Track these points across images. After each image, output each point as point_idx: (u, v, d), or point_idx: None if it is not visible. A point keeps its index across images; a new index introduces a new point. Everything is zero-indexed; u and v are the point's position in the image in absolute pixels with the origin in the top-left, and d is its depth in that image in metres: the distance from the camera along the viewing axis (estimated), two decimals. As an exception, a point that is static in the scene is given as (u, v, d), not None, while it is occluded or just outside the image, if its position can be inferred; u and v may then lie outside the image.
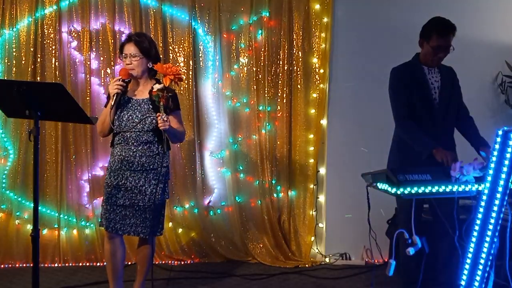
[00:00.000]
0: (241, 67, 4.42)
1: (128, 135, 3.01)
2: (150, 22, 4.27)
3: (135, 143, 3.01)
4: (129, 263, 4.15)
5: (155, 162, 3.04)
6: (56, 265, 4.18)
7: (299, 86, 4.40)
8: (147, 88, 3.07)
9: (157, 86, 2.89)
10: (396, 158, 3.29)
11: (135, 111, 3.02)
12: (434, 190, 2.41)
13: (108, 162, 3.14)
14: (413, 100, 3.18)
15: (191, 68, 4.32)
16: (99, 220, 3.13)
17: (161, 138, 3.01)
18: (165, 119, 2.89)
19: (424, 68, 3.21)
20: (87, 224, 4.26)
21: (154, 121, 2.99)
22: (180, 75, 2.93)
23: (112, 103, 2.94)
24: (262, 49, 4.36)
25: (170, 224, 4.36)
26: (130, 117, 3.01)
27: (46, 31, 4.18)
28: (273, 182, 4.44)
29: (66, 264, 4.19)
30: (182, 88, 4.32)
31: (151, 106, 3.02)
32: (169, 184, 4.28)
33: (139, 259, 3.24)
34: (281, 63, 4.39)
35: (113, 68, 4.23)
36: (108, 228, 3.03)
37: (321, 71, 4.39)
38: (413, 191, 2.39)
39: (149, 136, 3.01)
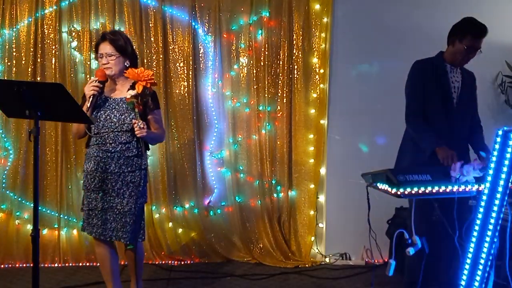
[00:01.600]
0: (241, 67, 4.42)
1: (106, 136, 2.94)
2: (150, 22, 4.27)
3: (113, 144, 2.93)
4: (127, 263, 4.15)
5: (133, 164, 2.96)
6: (56, 265, 4.18)
7: (299, 86, 4.40)
8: (126, 87, 3.02)
9: (130, 93, 2.82)
10: (406, 158, 3.27)
11: (113, 110, 2.96)
12: (434, 191, 2.42)
13: (84, 164, 3.04)
14: (431, 96, 3.18)
15: (191, 68, 4.32)
16: (81, 225, 3.05)
17: (140, 139, 2.93)
18: (142, 126, 2.84)
19: (447, 65, 3.22)
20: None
21: (133, 121, 2.91)
22: (153, 80, 2.84)
23: (88, 105, 2.87)
24: (262, 49, 4.36)
25: (170, 224, 4.36)
26: (108, 117, 2.95)
27: (46, 31, 4.18)
28: (273, 182, 4.44)
29: (66, 264, 4.19)
30: (182, 88, 4.33)
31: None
32: (169, 184, 4.33)
33: (128, 263, 3.19)
34: (281, 63, 4.39)
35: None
36: (92, 233, 2.97)
37: (321, 71, 4.39)
38: (413, 191, 2.39)
39: (127, 137, 2.94)
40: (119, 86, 3.05)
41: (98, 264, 4.09)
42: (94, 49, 3.08)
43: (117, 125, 2.93)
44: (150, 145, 3.14)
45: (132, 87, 2.94)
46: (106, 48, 2.96)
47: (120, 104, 2.97)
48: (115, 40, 2.97)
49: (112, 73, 2.98)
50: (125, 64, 3.01)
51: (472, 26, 3.14)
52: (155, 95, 3.07)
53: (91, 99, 2.88)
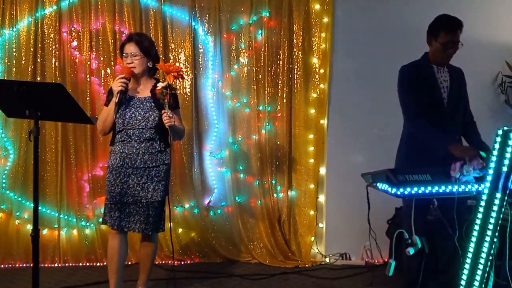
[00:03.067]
0: (241, 67, 4.42)
1: (131, 133, 3.07)
2: (150, 22, 4.27)
3: (138, 140, 3.07)
4: (129, 263, 4.15)
5: (157, 160, 3.11)
6: (56, 265, 4.18)
7: (299, 86, 4.41)
8: (148, 87, 3.15)
9: (161, 84, 2.98)
10: (404, 157, 3.26)
11: (138, 108, 3.08)
12: (434, 190, 2.42)
13: (109, 160, 3.17)
14: (422, 99, 3.16)
15: (191, 68, 4.32)
16: (100, 220, 3.19)
17: (163, 135, 3.09)
18: (171, 115, 2.97)
19: (433, 67, 3.20)
20: (87, 224, 4.26)
21: (156, 118, 3.06)
22: (182, 73, 3.01)
23: (116, 100, 3.00)
24: (262, 49, 4.36)
25: (170, 224, 4.36)
26: (133, 115, 3.07)
27: (46, 31, 4.17)
28: (273, 182, 4.44)
29: (66, 264, 4.19)
30: (182, 88, 4.33)
31: (153, 104, 3.09)
32: (169, 184, 4.32)
33: (141, 256, 3.29)
34: (281, 63, 4.39)
35: (113, 68, 4.23)
36: (114, 226, 3.08)
37: (321, 71, 4.39)
38: (413, 191, 2.39)
39: (151, 133, 3.08)
40: (142, 87, 3.17)
41: (98, 264, 4.15)
42: (119, 49, 3.21)
43: (142, 122, 3.06)
44: (172, 141, 3.23)
45: (155, 86, 3.09)
46: (131, 48, 3.09)
47: (145, 103, 3.11)
48: (140, 42, 3.10)
49: (136, 72, 3.11)
50: (148, 65, 3.14)
51: (443, 21, 3.12)
52: (176, 95, 3.19)
53: (119, 95, 2.99)
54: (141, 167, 3.08)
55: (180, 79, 3.01)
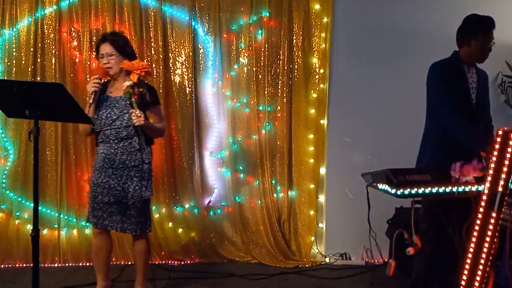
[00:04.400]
0: (241, 67, 4.42)
1: (109, 133, 3.08)
2: (150, 22, 4.27)
3: (115, 140, 3.08)
4: (129, 263, 4.15)
5: (136, 159, 3.10)
6: (56, 265, 4.18)
7: (299, 86, 4.40)
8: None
9: (126, 83, 2.96)
10: (434, 159, 3.14)
11: (113, 108, 3.09)
12: (434, 191, 2.41)
13: (94, 161, 3.21)
14: (455, 98, 3.13)
15: (191, 68, 4.32)
16: (88, 217, 3.22)
17: (141, 134, 3.07)
18: (139, 115, 2.94)
19: (464, 66, 3.19)
20: (87, 224, 4.24)
21: (130, 110, 3.05)
22: (147, 69, 3.01)
23: (90, 101, 3.02)
24: (262, 49, 4.36)
25: (170, 224, 4.36)
26: (109, 115, 3.08)
27: (46, 31, 4.17)
28: (273, 182, 4.44)
29: (66, 264, 4.19)
30: (182, 88, 4.33)
31: (128, 102, 3.07)
32: (169, 184, 4.33)
33: (134, 256, 3.32)
34: (281, 63, 4.39)
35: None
36: (97, 224, 3.14)
37: (321, 71, 4.39)
38: (412, 192, 2.39)
39: (129, 132, 3.08)
40: (118, 85, 3.14)
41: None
42: (95, 49, 3.21)
43: (117, 122, 3.05)
44: (153, 139, 3.25)
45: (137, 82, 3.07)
46: (106, 48, 3.10)
47: (120, 102, 3.10)
48: (115, 41, 3.11)
49: (113, 72, 3.11)
50: None
51: (483, 21, 3.17)
52: (153, 91, 3.19)
53: (93, 95, 3.01)
54: (120, 167, 3.08)
55: (146, 76, 3.00)
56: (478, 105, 3.18)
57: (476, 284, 2.37)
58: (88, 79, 4.18)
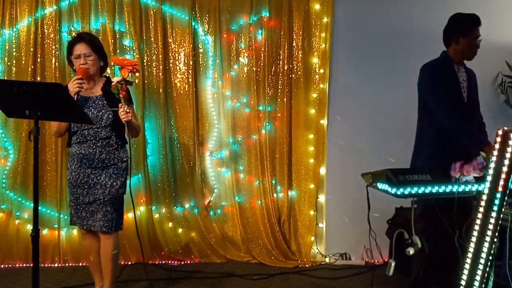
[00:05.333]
0: (241, 67, 4.42)
1: (86, 133, 3.07)
2: (150, 22, 4.27)
3: (93, 140, 3.07)
4: (129, 262, 4.15)
5: (115, 158, 3.12)
6: (56, 265, 4.18)
7: (299, 86, 4.40)
8: (99, 85, 3.17)
9: (115, 79, 2.96)
10: (428, 158, 3.16)
11: (91, 108, 3.09)
12: (434, 191, 2.41)
13: (67, 162, 3.19)
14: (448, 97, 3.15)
15: (191, 68, 4.32)
16: (71, 220, 3.19)
17: (118, 133, 3.10)
18: (128, 110, 2.96)
19: (454, 66, 3.22)
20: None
21: (110, 116, 3.07)
22: (136, 66, 2.99)
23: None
24: (262, 49, 4.36)
25: (170, 224, 4.36)
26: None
27: (46, 31, 4.18)
28: (273, 182, 4.44)
29: (66, 264, 4.19)
30: (182, 88, 4.33)
31: (105, 102, 3.09)
32: (169, 184, 4.33)
33: (101, 257, 3.16)
34: (281, 63, 4.39)
35: (112, 68, 4.22)
36: (82, 226, 3.14)
37: (321, 71, 4.39)
38: (413, 191, 2.39)
39: (107, 132, 3.08)
40: (94, 86, 3.17)
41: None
42: (67, 49, 3.16)
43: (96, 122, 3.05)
44: (128, 139, 3.24)
45: (109, 82, 3.09)
46: (82, 48, 3.08)
47: (97, 102, 3.11)
48: (92, 41, 3.12)
49: (91, 72, 3.10)
50: (100, 64, 3.16)
51: (470, 18, 3.18)
52: (129, 91, 3.14)
53: (76, 96, 2.95)
54: (99, 167, 3.08)
55: (135, 73, 2.99)
56: (470, 104, 3.19)
57: (476, 284, 2.37)
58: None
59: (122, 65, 2.94)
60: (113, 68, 4.01)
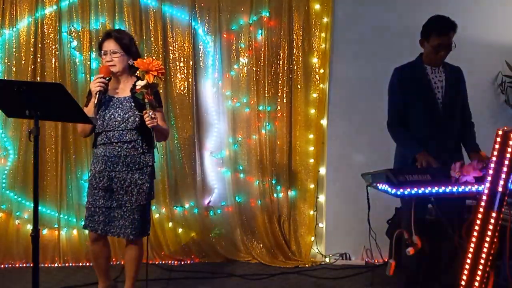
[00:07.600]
0: (241, 67, 4.42)
1: (111, 135, 2.96)
2: (150, 22, 4.27)
3: (119, 143, 2.96)
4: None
5: (140, 162, 3.00)
6: (56, 265, 4.18)
7: (299, 86, 4.40)
8: (128, 86, 3.04)
9: (140, 83, 2.81)
10: (399, 157, 3.28)
11: (117, 109, 2.97)
12: (434, 191, 2.41)
13: (91, 164, 3.08)
14: (414, 101, 3.15)
15: (191, 68, 4.32)
16: (83, 223, 3.07)
17: (145, 136, 2.97)
18: (153, 116, 2.84)
19: (426, 67, 3.18)
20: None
21: (137, 119, 2.95)
22: (163, 70, 2.83)
23: (95, 101, 2.87)
24: (262, 49, 4.36)
25: (170, 224, 4.36)
26: (112, 116, 2.96)
27: (46, 31, 4.18)
28: (273, 182, 4.44)
29: (66, 264, 4.19)
30: (182, 88, 4.33)
31: (133, 104, 2.97)
32: (169, 184, 4.33)
33: (126, 261, 3.16)
34: (281, 63, 4.39)
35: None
36: (97, 230, 2.98)
37: (321, 71, 4.39)
38: (413, 192, 2.39)
39: (132, 135, 2.97)
40: (122, 85, 3.06)
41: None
42: (98, 47, 3.07)
43: (121, 123, 2.95)
44: (157, 143, 3.08)
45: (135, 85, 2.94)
46: (110, 45, 2.97)
47: (124, 103, 2.99)
48: (120, 38, 2.98)
49: (116, 70, 2.98)
50: (129, 62, 3.01)
51: (434, 24, 3.09)
52: (158, 94, 3.08)
53: (97, 95, 2.86)
54: (123, 170, 2.96)
55: (161, 77, 2.85)
56: (447, 104, 3.14)
57: (476, 284, 2.37)
58: (89, 79, 4.20)
59: (147, 70, 2.77)
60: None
